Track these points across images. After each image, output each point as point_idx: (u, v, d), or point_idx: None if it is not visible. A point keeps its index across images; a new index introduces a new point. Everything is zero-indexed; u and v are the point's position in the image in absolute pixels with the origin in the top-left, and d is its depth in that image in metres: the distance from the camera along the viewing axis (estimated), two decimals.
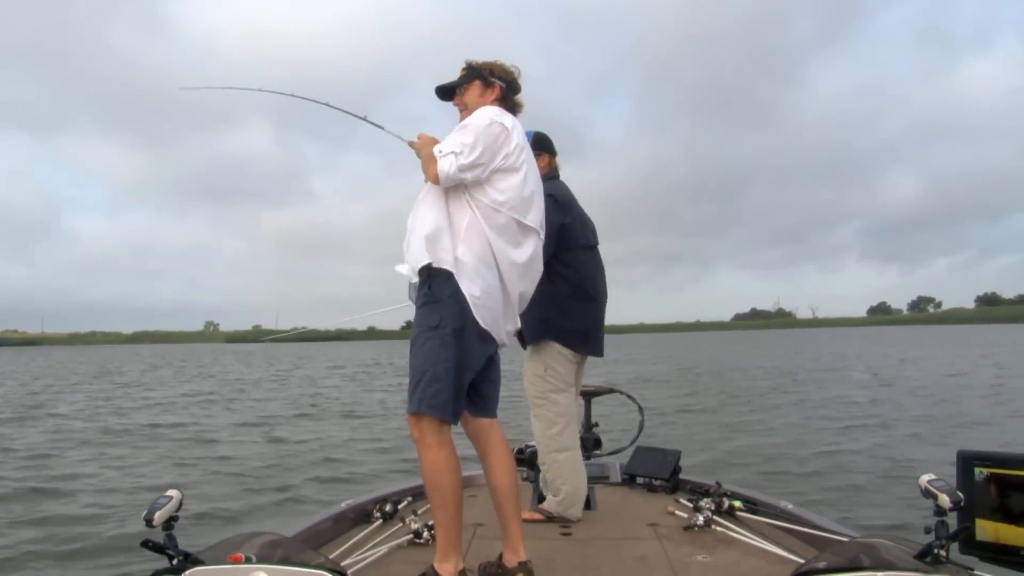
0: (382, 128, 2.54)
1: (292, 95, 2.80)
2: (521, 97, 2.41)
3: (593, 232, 3.16)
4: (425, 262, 2.10)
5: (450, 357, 2.06)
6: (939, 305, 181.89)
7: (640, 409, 3.81)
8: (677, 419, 11.34)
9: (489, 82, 2.35)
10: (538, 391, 2.97)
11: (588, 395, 3.62)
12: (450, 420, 2.09)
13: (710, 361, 30.06)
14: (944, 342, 42.76)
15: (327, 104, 2.67)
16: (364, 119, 2.60)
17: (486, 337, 2.15)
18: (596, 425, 3.68)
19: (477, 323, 2.11)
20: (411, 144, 2.35)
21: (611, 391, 3.80)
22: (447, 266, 2.09)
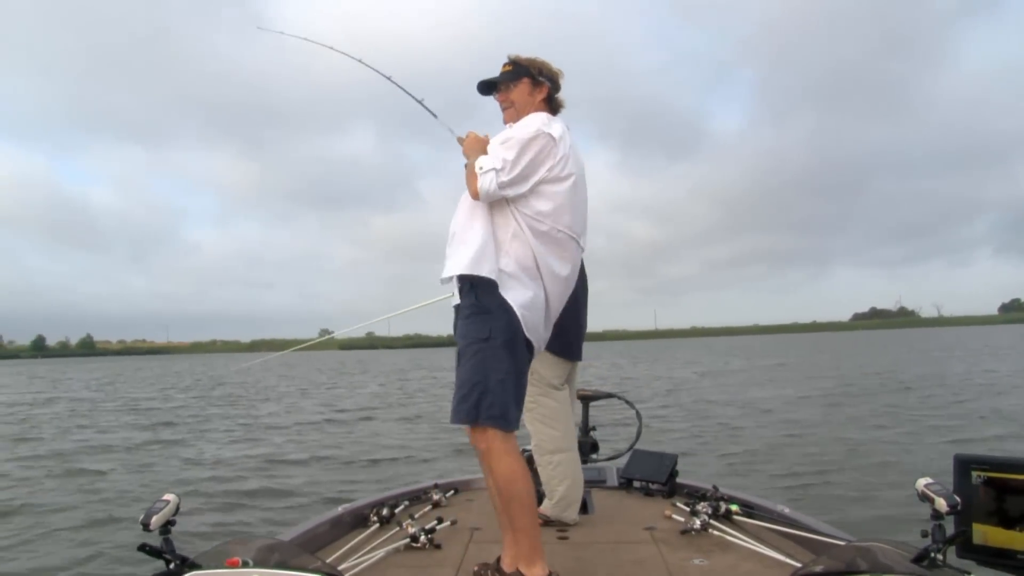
0: (435, 116, 2.51)
1: (359, 60, 2.85)
2: (562, 96, 2.37)
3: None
4: (468, 273, 2.09)
5: (502, 368, 2.07)
6: None
7: (638, 414, 3.82)
8: None
9: (538, 81, 2.32)
10: (527, 395, 2.97)
11: (586, 399, 3.62)
12: (513, 428, 2.10)
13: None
14: None
15: (390, 79, 2.75)
16: (421, 102, 2.60)
17: (530, 346, 2.17)
18: (594, 429, 3.68)
19: (524, 333, 2.11)
20: (460, 140, 2.32)
21: (609, 396, 3.80)
22: (491, 276, 2.08)
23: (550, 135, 2.15)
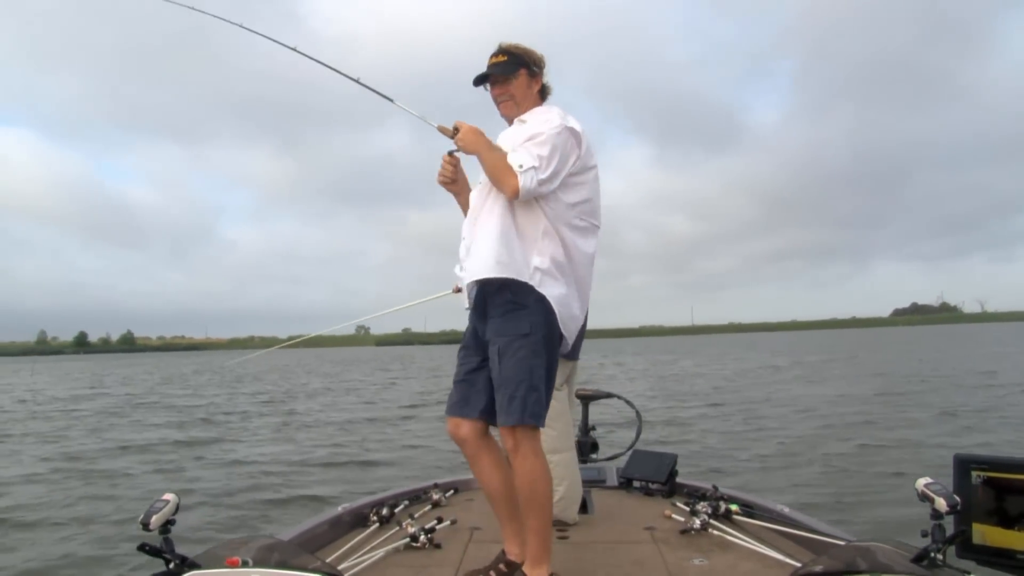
0: (391, 100, 2.34)
1: (294, 49, 2.60)
2: (548, 82, 2.31)
3: None
4: (502, 276, 2.07)
5: (542, 364, 2.07)
6: None
7: (638, 414, 3.81)
8: None
9: (534, 72, 2.26)
10: None
11: (586, 399, 3.61)
12: (543, 425, 2.10)
13: None
14: None
15: (358, 81, 2.44)
16: (357, 81, 2.40)
17: (562, 340, 2.16)
18: (594, 429, 3.67)
19: (559, 327, 2.11)
20: (442, 129, 2.20)
21: (609, 395, 3.79)
22: (524, 277, 2.08)
23: (572, 128, 2.13)
